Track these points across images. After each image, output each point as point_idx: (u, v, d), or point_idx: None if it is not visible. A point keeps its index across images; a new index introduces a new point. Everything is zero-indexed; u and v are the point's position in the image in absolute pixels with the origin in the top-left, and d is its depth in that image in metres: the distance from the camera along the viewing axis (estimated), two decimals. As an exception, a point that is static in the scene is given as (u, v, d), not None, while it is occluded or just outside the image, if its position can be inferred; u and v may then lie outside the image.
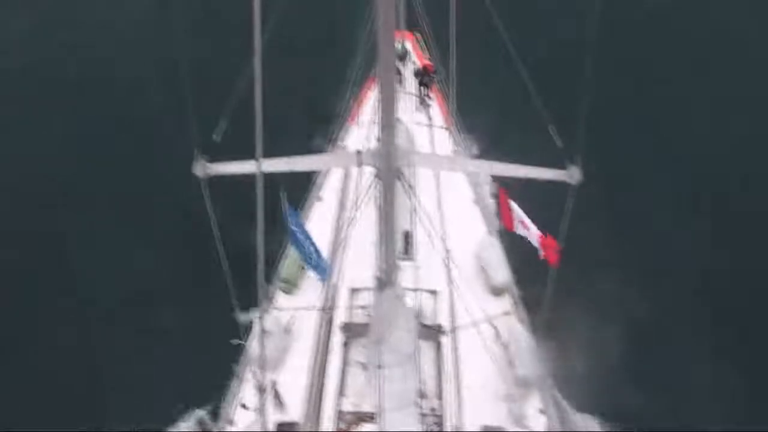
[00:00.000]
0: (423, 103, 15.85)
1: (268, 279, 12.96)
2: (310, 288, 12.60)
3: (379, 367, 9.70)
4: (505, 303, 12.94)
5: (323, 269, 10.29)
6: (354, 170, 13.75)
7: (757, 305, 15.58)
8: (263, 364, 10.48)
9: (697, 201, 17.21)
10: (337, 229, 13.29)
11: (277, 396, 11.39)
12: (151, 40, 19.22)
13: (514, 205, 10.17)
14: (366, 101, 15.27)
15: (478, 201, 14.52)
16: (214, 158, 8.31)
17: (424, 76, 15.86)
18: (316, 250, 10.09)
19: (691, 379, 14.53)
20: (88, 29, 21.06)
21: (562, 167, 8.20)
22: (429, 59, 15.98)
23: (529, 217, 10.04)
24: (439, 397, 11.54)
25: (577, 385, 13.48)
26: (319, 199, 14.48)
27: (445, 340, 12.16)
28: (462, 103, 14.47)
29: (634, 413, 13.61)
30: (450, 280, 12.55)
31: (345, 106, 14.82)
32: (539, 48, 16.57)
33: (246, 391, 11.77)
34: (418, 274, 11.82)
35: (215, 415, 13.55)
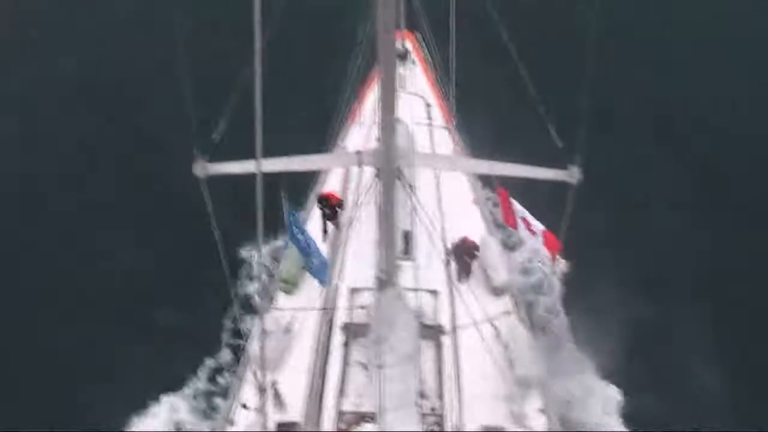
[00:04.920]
0: (325, 232, 13.56)
1: (269, 279, 12.99)
2: (310, 288, 12.59)
3: (380, 367, 9.70)
4: (506, 303, 12.93)
5: (323, 270, 10.29)
6: (354, 170, 13.77)
7: (757, 305, 15.59)
8: (263, 364, 10.48)
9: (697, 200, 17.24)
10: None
11: (277, 396, 11.39)
12: (151, 39, 19.22)
13: (515, 204, 10.18)
14: (366, 101, 15.26)
15: (478, 201, 14.52)
16: (214, 158, 8.32)
17: (326, 208, 13.40)
18: (316, 251, 10.09)
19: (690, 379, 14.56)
20: (88, 29, 21.09)
21: (563, 167, 8.22)
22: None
23: (529, 213, 10.05)
24: (440, 396, 11.53)
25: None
26: (320, 199, 14.48)
27: (446, 340, 12.16)
28: (462, 103, 14.48)
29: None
30: (450, 280, 12.55)
31: (345, 106, 14.80)
32: (540, 48, 16.54)
33: (246, 391, 11.76)
34: (419, 274, 11.82)
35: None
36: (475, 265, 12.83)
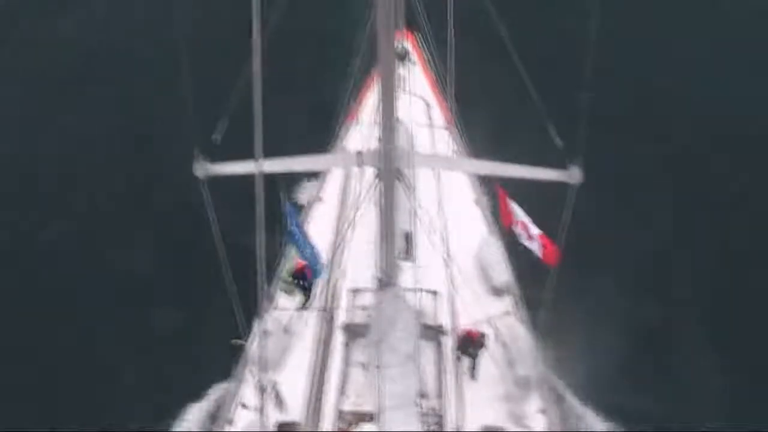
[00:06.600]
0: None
1: (269, 279, 12.97)
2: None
3: (380, 367, 9.70)
4: (506, 303, 12.93)
5: (320, 271, 10.29)
6: (354, 170, 13.76)
7: (757, 304, 15.60)
8: (263, 364, 10.48)
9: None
10: (338, 230, 13.29)
11: (277, 396, 11.40)
12: (152, 39, 19.24)
13: (514, 206, 10.17)
14: (366, 101, 15.26)
15: (479, 201, 14.53)
16: (215, 158, 8.34)
17: (301, 279, 12.92)
18: (314, 252, 10.08)
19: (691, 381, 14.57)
20: (88, 28, 21.09)
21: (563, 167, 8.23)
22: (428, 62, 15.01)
23: (527, 216, 10.04)
24: (440, 396, 11.53)
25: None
26: (320, 199, 14.48)
27: (446, 340, 12.16)
28: (462, 103, 14.46)
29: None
30: (450, 281, 12.54)
31: (345, 106, 14.81)
32: (540, 47, 16.54)
33: (246, 391, 11.77)
34: (419, 274, 11.82)
35: (214, 416, 13.60)
36: (482, 356, 11.98)
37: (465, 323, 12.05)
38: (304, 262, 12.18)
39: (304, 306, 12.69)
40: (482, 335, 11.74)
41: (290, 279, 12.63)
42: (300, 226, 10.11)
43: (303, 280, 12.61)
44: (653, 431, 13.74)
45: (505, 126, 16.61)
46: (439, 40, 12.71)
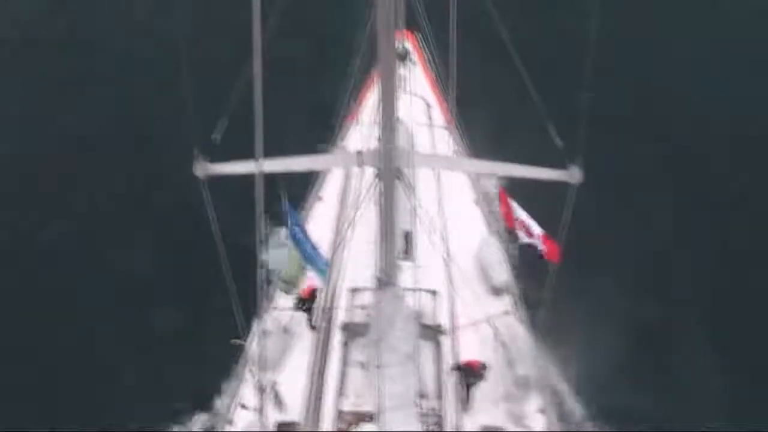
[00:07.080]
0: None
1: (269, 279, 12.96)
2: (310, 288, 12.58)
3: (379, 367, 9.70)
4: (505, 303, 12.93)
5: (322, 269, 10.30)
6: (354, 170, 13.77)
7: (757, 304, 15.59)
8: (263, 364, 10.48)
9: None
10: (338, 229, 13.29)
11: (277, 396, 11.39)
12: (152, 40, 19.24)
13: (515, 205, 10.18)
14: (366, 101, 15.26)
15: (479, 201, 14.52)
16: (215, 158, 8.34)
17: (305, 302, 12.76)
18: (316, 250, 10.10)
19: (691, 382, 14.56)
20: (88, 28, 21.09)
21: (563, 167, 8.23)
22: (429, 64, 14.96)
23: (528, 215, 10.05)
24: (439, 397, 11.53)
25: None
26: (320, 199, 14.48)
27: (445, 340, 12.15)
28: (462, 103, 14.47)
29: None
30: (450, 280, 12.55)
31: (345, 106, 14.81)
32: (540, 48, 16.54)
33: (246, 391, 11.76)
34: (418, 274, 11.82)
35: (215, 416, 13.60)
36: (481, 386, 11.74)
37: (466, 357, 11.81)
38: (311, 287, 12.25)
39: (311, 325, 12.69)
40: (483, 366, 11.58)
41: (295, 301, 12.56)
42: (301, 226, 10.14)
43: (306, 303, 12.56)
44: (653, 431, 13.74)
45: (505, 126, 16.60)
46: (440, 40, 12.74)
